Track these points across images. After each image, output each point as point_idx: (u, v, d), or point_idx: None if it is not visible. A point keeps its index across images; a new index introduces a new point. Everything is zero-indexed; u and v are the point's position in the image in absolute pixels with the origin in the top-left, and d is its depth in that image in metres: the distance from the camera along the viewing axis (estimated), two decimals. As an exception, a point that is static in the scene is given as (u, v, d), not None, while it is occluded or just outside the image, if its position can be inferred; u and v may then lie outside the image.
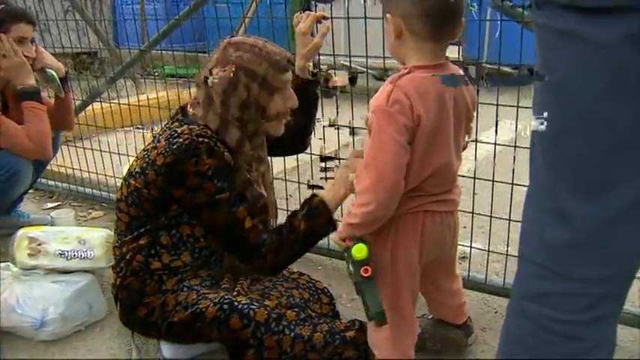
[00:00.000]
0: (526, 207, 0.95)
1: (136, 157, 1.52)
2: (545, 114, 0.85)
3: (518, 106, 1.69)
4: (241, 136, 1.48)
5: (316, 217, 1.48)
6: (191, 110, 1.52)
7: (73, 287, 1.81)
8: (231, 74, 1.42)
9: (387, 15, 1.28)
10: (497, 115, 1.77)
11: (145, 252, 1.49)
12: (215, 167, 1.40)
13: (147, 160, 1.44)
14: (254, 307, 1.44)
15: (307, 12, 1.68)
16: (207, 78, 1.45)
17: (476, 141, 1.81)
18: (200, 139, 1.39)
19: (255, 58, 1.44)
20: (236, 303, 1.44)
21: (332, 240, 1.37)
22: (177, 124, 1.49)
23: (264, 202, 1.57)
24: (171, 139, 1.41)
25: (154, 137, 1.51)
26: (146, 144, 1.54)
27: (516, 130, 1.83)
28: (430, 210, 1.35)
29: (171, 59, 2.80)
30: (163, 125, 1.56)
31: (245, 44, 1.45)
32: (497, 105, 1.75)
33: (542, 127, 0.86)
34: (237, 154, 1.48)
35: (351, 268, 1.30)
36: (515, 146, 1.71)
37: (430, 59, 1.28)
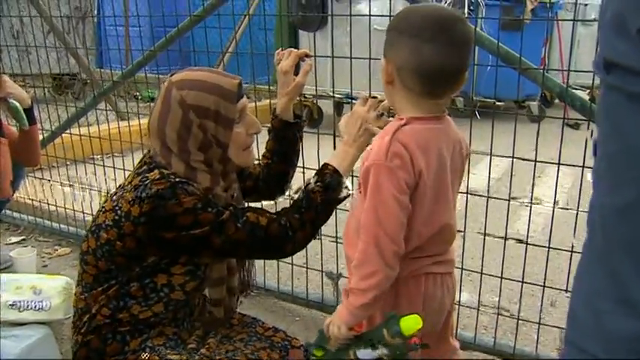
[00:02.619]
0: (578, 286, 0.83)
1: (103, 207, 1.39)
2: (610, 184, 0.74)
3: (491, 154, 1.62)
4: (212, 178, 1.37)
5: (331, 187, 1.40)
6: (158, 159, 1.40)
7: (25, 342, 1.65)
8: (181, 117, 1.31)
9: (383, 59, 1.18)
10: (469, 163, 1.67)
11: (112, 304, 1.37)
12: (199, 199, 1.29)
13: (118, 211, 1.32)
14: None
15: (289, 49, 1.58)
16: (159, 128, 1.34)
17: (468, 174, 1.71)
18: (175, 181, 1.29)
19: (201, 93, 1.32)
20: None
21: (334, 336, 1.21)
22: (145, 167, 1.37)
23: None
24: (144, 187, 1.29)
25: (121, 186, 1.39)
26: (112, 192, 1.42)
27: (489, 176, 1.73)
28: (431, 272, 1.25)
29: (155, 82, 2.68)
30: (132, 171, 1.44)
31: (187, 81, 1.34)
32: (470, 153, 1.66)
33: (608, 200, 0.75)
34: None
35: (373, 353, 1.16)
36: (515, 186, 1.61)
37: (425, 113, 1.18)
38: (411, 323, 1.13)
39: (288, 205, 1.42)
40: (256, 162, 1.63)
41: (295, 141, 1.62)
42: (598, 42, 0.78)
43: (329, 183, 1.40)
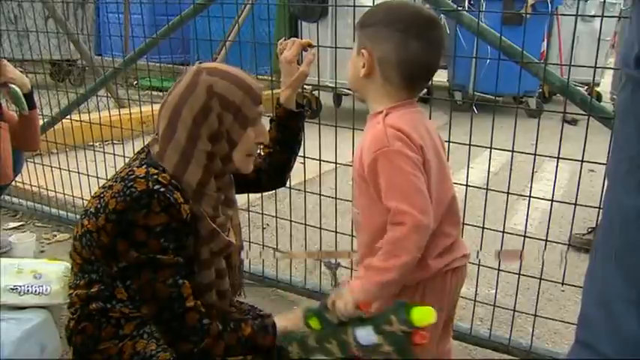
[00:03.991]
0: (590, 285, 0.81)
1: (94, 193, 1.39)
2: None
3: (491, 148, 1.63)
4: (204, 175, 1.33)
5: (264, 333, 1.36)
6: (153, 149, 1.37)
7: (25, 326, 1.66)
8: (203, 101, 1.30)
9: (363, 50, 1.20)
10: (469, 157, 1.69)
11: (100, 303, 1.36)
12: (166, 224, 1.25)
13: (102, 201, 1.30)
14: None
15: (292, 39, 1.59)
16: (175, 107, 1.32)
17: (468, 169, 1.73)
18: (156, 187, 1.25)
19: (230, 85, 1.31)
20: (197, 360, 1.32)
21: (339, 311, 1.17)
22: (137, 162, 1.35)
23: (230, 252, 1.44)
24: (127, 182, 1.27)
25: (115, 175, 1.38)
26: (107, 180, 1.41)
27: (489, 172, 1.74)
28: (458, 267, 1.25)
29: (155, 70, 2.66)
30: (128, 162, 1.42)
31: (220, 70, 1.33)
32: (470, 145, 1.68)
33: (630, 201, 0.72)
34: (199, 198, 1.35)
35: (373, 337, 1.12)
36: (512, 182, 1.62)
37: (400, 101, 1.22)
38: (423, 314, 1.08)
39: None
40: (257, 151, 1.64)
41: (298, 130, 1.62)
42: (626, 36, 0.74)
43: (266, 327, 1.36)
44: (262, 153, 1.63)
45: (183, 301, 1.29)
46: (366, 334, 1.13)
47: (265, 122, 1.58)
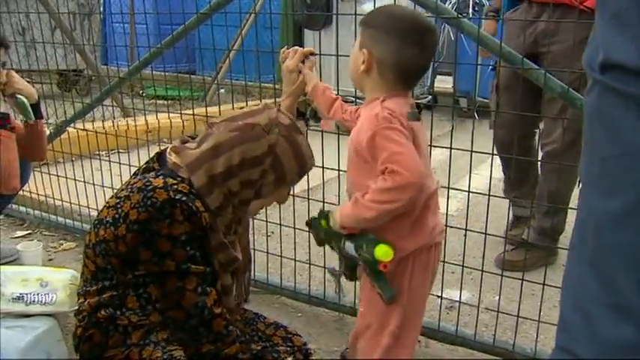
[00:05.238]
0: (568, 290, 0.80)
1: (107, 203, 1.40)
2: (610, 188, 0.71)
3: (492, 154, 1.64)
4: (224, 202, 1.35)
5: (276, 355, 1.46)
6: (171, 158, 1.37)
7: (31, 334, 1.67)
8: (259, 154, 1.31)
9: (364, 50, 1.31)
10: (471, 165, 1.69)
11: (110, 310, 1.37)
12: (190, 233, 1.27)
13: (119, 211, 1.31)
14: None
15: (295, 47, 1.60)
16: (229, 141, 1.33)
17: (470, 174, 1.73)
18: (177, 197, 1.26)
19: (290, 157, 1.34)
20: (203, 367, 1.33)
21: (333, 221, 1.36)
22: (153, 174, 1.35)
23: (237, 267, 1.46)
24: (146, 192, 1.27)
25: (127, 184, 1.38)
26: (119, 189, 1.42)
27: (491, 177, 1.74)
28: (437, 242, 1.40)
29: (160, 79, 2.69)
30: (138, 173, 1.43)
31: (290, 137, 1.34)
32: (472, 152, 1.68)
33: (603, 205, 0.72)
34: (215, 216, 1.35)
35: (354, 252, 1.33)
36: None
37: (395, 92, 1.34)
38: (382, 251, 1.27)
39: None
40: None
41: None
42: (591, 40, 0.73)
43: (278, 352, 1.48)
44: None
45: (211, 309, 1.32)
46: (349, 248, 1.36)
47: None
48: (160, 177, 1.31)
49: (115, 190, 1.45)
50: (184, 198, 1.26)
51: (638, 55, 0.66)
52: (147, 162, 1.43)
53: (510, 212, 2.47)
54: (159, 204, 1.25)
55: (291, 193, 1.80)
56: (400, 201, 1.24)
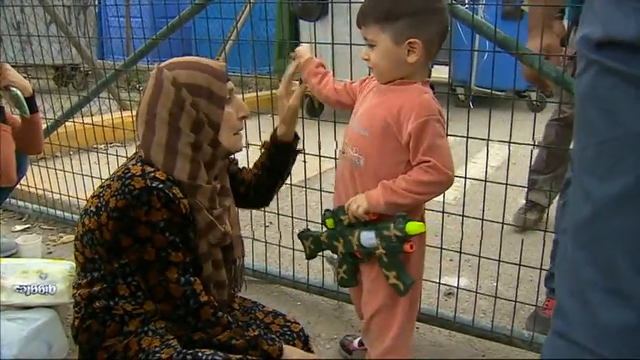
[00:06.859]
0: (564, 275, 0.79)
1: (93, 193, 1.41)
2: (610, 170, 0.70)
3: (488, 141, 1.65)
4: (192, 168, 1.35)
5: (271, 342, 1.42)
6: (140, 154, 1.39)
7: (31, 325, 1.68)
8: (174, 95, 1.31)
9: (410, 40, 1.29)
10: (466, 152, 1.69)
11: (103, 301, 1.38)
12: (168, 219, 1.28)
13: (101, 200, 1.32)
14: (218, 358, 1.33)
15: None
16: (149, 109, 1.33)
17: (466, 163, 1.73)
18: (154, 184, 1.27)
19: (193, 72, 1.34)
20: (200, 354, 1.33)
21: (351, 211, 1.39)
22: (133, 161, 1.36)
23: (227, 243, 1.46)
24: (124, 180, 1.29)
25: (112, 174, 1.40)
26: (104, 180, 1.43)
27: (486, 165, 1.75)
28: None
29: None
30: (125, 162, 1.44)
31: (177, 62, 1.36)
32: (467, 137, 1.69)
33: (599, 189, 0.70)
34: (193, 191, 1.36)
35: (373, 240, 1.37)
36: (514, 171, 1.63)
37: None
38: (415, 226, 1.33)
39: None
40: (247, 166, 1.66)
41: (287, 163, 1.64)
42: (582, 20, 0.71)
43: (274, 339, 1.44)
44: (252, 172, 1.64)
45: (197, 298, 1.32)
46: (368, 237, 1.38)
47: (265, 123, 1.59)
48: (139, 164, 1.32)
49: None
50: (161, 185, 1.27)
51: (637, 29, 0.64)
52: (129, 158, 1.44)
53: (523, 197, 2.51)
54: (136, 191, 1.26)
55: (289, 183, 1.81)
56: (434, 194, 1.35)
